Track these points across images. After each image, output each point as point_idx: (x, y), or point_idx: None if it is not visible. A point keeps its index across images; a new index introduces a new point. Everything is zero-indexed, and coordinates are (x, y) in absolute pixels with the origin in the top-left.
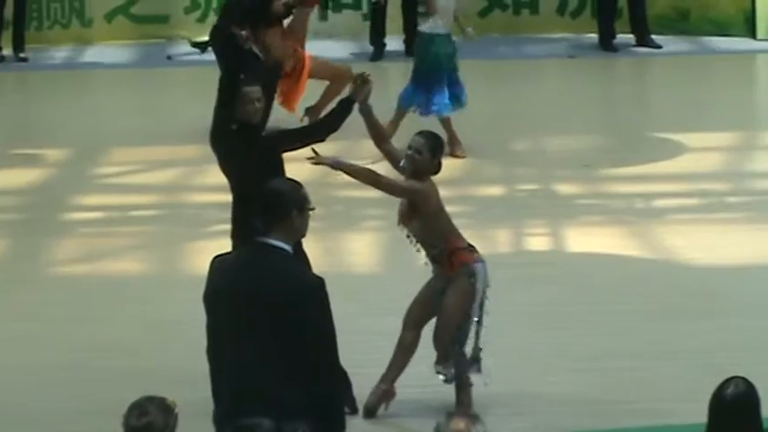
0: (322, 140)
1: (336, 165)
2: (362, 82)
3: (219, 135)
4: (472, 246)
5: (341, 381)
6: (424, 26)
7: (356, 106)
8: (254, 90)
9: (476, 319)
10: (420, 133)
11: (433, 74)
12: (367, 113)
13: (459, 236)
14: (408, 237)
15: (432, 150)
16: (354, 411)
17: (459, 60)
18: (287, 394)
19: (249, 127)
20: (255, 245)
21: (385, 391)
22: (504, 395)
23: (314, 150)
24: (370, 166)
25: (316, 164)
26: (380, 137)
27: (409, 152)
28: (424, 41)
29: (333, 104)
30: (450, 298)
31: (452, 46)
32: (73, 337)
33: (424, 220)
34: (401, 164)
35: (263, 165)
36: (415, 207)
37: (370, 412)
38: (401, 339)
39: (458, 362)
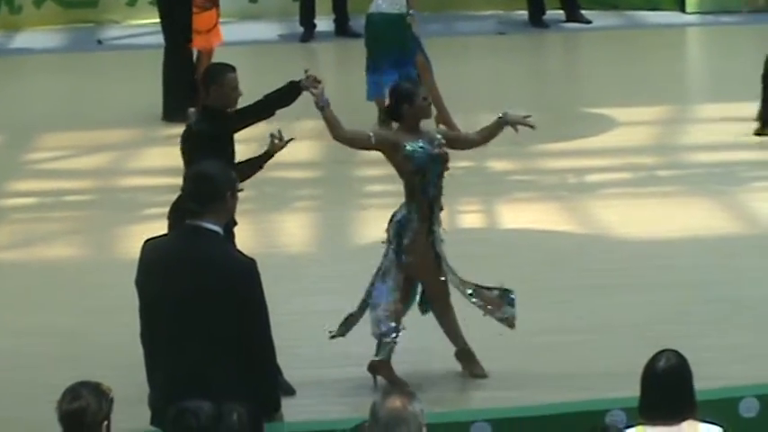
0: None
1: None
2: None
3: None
4: None
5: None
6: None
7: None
8: (235, 77)
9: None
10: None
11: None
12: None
13: None
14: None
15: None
16: (290, 393)
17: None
18: (223, 376)
19: (223, 113)
20: (188, 228)
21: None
22: (439, 371)
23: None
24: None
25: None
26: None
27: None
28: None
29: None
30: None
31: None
32: (7, 322)
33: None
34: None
35: (224, 149)
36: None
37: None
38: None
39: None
